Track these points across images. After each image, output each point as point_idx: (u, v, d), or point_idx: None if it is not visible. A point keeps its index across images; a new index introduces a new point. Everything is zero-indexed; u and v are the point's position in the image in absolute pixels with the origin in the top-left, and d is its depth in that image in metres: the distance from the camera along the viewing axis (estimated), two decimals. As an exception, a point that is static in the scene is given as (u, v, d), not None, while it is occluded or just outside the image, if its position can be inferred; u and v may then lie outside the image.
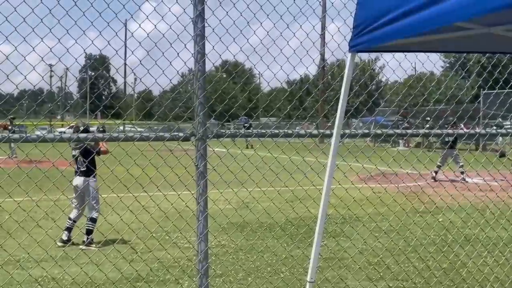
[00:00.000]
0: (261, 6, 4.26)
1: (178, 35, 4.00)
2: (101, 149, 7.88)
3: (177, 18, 3.99)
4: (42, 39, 3.46)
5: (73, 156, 8.22)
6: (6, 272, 5.29)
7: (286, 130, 4.32)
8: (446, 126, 14.07)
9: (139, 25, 3.76)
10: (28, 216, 4.19)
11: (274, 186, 4.86)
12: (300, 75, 5.95)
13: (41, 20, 3.28)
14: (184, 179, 3.98)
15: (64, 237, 7.92)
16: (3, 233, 5.11)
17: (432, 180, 15.56)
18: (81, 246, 7.75)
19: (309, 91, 31.10)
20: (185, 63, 4.05)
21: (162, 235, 6.83)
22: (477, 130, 5.35)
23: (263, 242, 7.23)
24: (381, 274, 6.01)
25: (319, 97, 35.57)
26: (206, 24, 3.84)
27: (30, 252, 5.36)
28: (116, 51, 3.71)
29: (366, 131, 4.77)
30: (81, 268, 4.89)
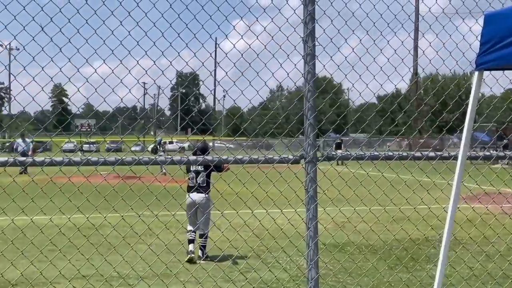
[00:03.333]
0: (345, 22, 4.10)
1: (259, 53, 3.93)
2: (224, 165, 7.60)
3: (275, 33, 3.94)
4: (137, 61, 3.64)
5: (190, 171, 8.14)
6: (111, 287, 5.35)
7: (409, 152, 4.10)
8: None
9: (234, 45, 3.74)
10: (131, 231, 4.24)
11: (372, 205, 4.64)
12: (396, 88, 5.70)
13: (137, 42, 3.41)
14: (288, 195, 3.90)
15: (191, 248, 7.82)
16: (105, 248, 5.14)
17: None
18: (199, 261, 7.68)
19: (401, 106, 30.57)
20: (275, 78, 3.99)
21: (265, 254, 6.74)
22: None
23: (365, 264, 6.93)
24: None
25: (413, 112, 34.69)
26: (316, 43, 3.72)
27: (134, 267, 5.30)
28: (210, 73, 3.74)
29: (488, 153, 4.46)
30: (183, 285, 4.85)
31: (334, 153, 3.76)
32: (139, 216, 4.01)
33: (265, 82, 3.96)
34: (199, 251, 7.83)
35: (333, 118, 5.20)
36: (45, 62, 3.20)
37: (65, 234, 3.88)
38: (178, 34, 3.58)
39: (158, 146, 32.15)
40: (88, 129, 59.57)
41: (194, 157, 3.64)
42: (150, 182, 4.05)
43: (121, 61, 3.46)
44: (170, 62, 3.65)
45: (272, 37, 3.83)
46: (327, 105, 6.73)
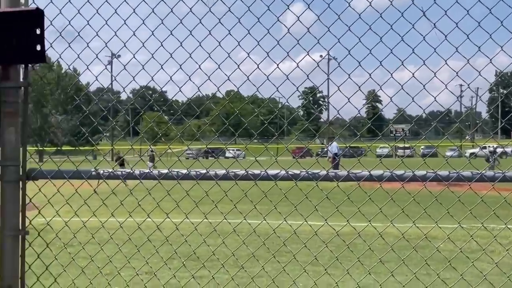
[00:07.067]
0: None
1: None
2: None
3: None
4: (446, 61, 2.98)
5: None
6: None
7: None
8: None
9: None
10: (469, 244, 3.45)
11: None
12: None
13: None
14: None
15: None
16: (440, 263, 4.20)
17: None
18: None
19: None
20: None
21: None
22: None
23: None
24: None
25: None
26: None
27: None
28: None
29: None
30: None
31: None
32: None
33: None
34: None
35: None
36: (358, 69, 3.00)
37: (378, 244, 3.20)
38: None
39: (492, 155, 31.49)
40: (402, 134, 63.47)
41: None
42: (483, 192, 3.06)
43: (445, 61, 2.93)
44: (490, 60, 2.85)
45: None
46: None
